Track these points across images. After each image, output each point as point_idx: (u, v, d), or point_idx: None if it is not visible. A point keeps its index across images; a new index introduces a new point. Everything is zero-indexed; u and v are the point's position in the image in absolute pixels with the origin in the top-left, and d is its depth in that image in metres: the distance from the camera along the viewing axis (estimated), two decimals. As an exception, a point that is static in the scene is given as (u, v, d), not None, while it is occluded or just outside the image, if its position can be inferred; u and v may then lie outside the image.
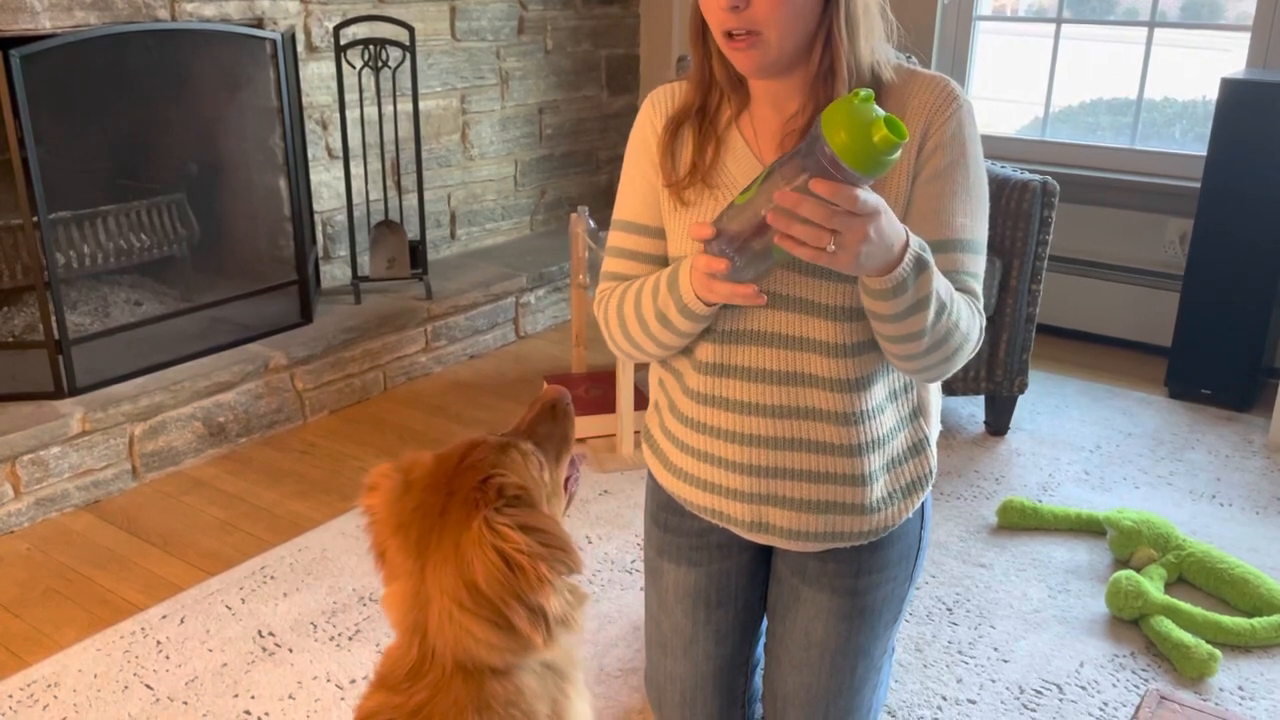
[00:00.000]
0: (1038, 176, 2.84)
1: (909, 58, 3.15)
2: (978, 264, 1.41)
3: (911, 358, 1.37)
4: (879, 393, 1.48)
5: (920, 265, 1.25)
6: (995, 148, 3.67)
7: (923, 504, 1.59)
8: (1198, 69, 3.69)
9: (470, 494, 1.08)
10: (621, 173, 1.59)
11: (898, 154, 1.09)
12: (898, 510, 1.53)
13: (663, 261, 1.54)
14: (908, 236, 1.23)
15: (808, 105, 1.38)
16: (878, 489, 1.51)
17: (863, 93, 1.09)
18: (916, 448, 1.55)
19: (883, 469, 1.51)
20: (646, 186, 1.52)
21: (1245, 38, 3.35)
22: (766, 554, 1.65)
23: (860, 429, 1.47)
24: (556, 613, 1.06)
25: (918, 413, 1.55)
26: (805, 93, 1.39)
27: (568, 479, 1.28)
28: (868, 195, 1.14)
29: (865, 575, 1.56)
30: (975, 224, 1.40)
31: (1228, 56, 3.50)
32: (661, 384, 1.62)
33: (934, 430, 1.60)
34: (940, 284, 1.29)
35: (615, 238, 1.57)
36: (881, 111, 1.08)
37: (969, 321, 1.37)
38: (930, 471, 1.58)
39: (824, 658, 1.57)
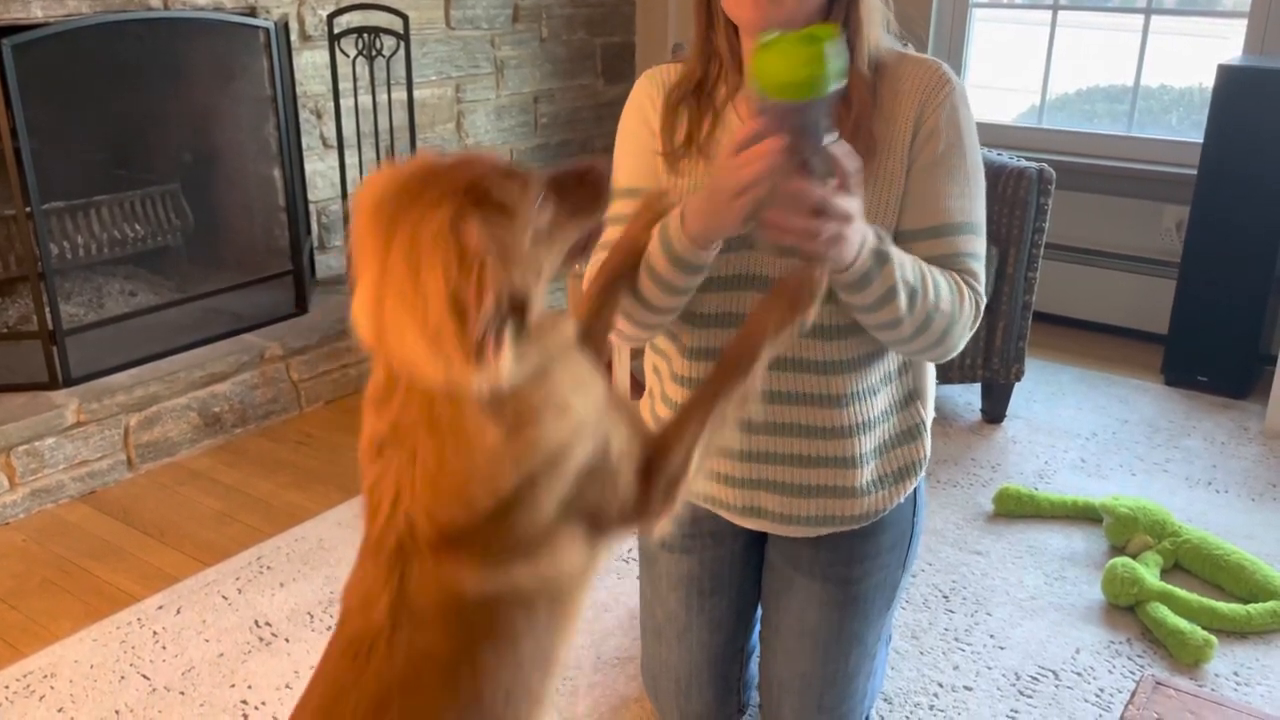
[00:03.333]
0: (1034, 164, 2.84)
1: (905, 44, 3.14)
2: (978, 245, 1.41)
3: (901, 342, 1.37)
4: (872, 375, 1.48)
5: (881, 258, 1.26)
6: (991, 135, 3.66)
7: (915, 490, 1.59)
8: (1194, 56, 3.69)
9: (452, 189, 0.95)
10: (616, 145, 1.56)
11: (831, 63, 1.07)
12: (889, 494, 1.53)
13: None
14: (867, 233, 1.24)
15: None
16: (868, 472, 1.51)
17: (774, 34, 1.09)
18: (910, 433, 1.55)
19: (873, 453, 1.51)
20: (645, 153, 1.50)
21: (1242, 24, 3.35)
22: (760, 541, 1.65)
23: (849, 411, 1.47)
24: (502, 338, 0.93)
25: (913, 396, 1.55)
26: None
27: (577, 245, 1.12)
28: (848, 201, 1.16)
29: (858, 563, 1.56)
30: (973, 206, 1.40)
31: (1224, 43, 3.49)
32: (655, 370, 1.62)
33: (928, 415, 1.60)
34: (908, 273, 1.29)
35: (615, 205, 1.55)
36: (776, 33, 1.09)
37: (952, 302, 1.36)
38: (924, 457, 1.58)
39: (818, 645, 1.58)
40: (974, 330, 1.44)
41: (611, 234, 1.55)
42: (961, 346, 1.43)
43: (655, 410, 1.61)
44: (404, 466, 0.99)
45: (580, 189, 1.08)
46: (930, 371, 1.61)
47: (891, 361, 1.51)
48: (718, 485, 1.54)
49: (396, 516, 0.99)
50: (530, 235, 1.00)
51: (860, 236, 1.22)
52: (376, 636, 0.96)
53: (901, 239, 1.39)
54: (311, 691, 1.00)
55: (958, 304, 1.38)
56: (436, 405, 0.97)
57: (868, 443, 1.50)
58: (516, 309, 0.96)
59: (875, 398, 1.49)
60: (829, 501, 1.51)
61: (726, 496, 1.54)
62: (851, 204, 1.17)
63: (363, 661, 0.96)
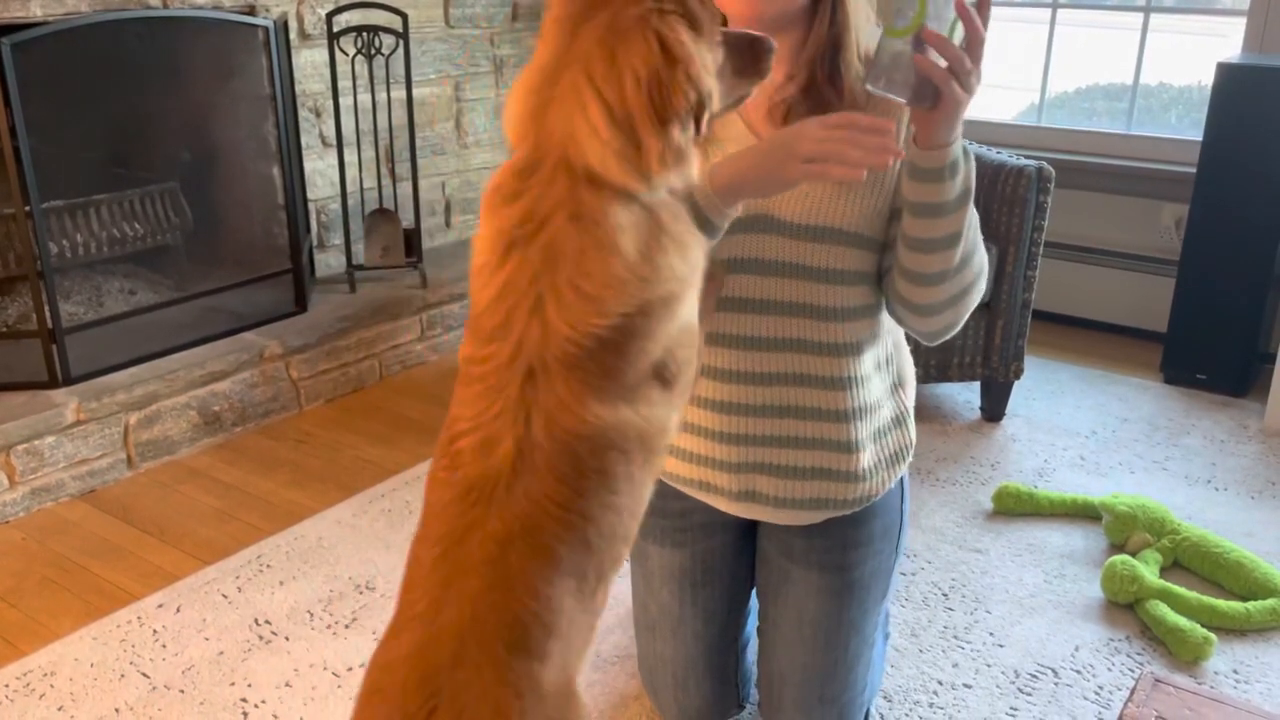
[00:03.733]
0: (1033, 162, 2.84)
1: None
2: (977, 218, 1.43)
3: (944, 277, 1.36)
4: (867, 361, 1.50)
5: (966, 152, 1.30)
6: (991, 134, 3.66)
7: (902, 477, 1.61)
8: (1193, 54, 3.69)
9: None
10: None
11: None
12: (883, 479, 1.55)
13: None
14: None
15: (798, 71, 1.39)
16: (866, 456, 1.52)
17: None
18: (898, 419, 1.58)
19: (870, 437, 1.52)
20: None
21: (1241, 22, 3.35)
22: (751, 532, 1.65)
23: (850, 394, 1.48)
24: (679, 142, 0.95)
25: (898, 385, 1.58)
26: (793, 61, 1.39)
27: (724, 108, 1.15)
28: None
29: (852, 550, 1.57)
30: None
31: (1224, 41, 3.49)
32: None
33: (910, 403, 1.62)
34: (973, 181, 1.33)
35: None
36: None
37: (983, 250, 1.40)
38: (910, 443, 1.61)
39: (817, 635, 1.58)
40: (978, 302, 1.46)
41: None
42: (960, 323, 1.44)
43: None
44: (542, 268, 0.99)
45: (749, 52, 1.11)
46: (909, 360, 1.63)
47: (883, 348, 1.53)
48: (711, 471, 1.54)
49: (531, 328, 0.99)
50: (712, 61, 1.02)
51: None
52: (497, 482, 1.00)
53: (900, 215, 1.41)
54: (429, 530, 1.03)
55: (985, 262, 1.42)
56: (582, 191, 0.97)
57: (865, 427, 1.51)
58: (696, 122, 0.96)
59: (871, 382, 1.51)
60: (826, 484, 1.51)
61: (720, 482, 1.54)
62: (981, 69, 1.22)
63: (484, 505, 0.99)
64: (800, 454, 1.50)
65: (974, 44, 1.20)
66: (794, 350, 1.46)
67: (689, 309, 1.09)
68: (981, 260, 1.41)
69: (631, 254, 1.00)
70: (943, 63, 1.18)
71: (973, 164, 1.32)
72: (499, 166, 1.04)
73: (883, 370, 1.54)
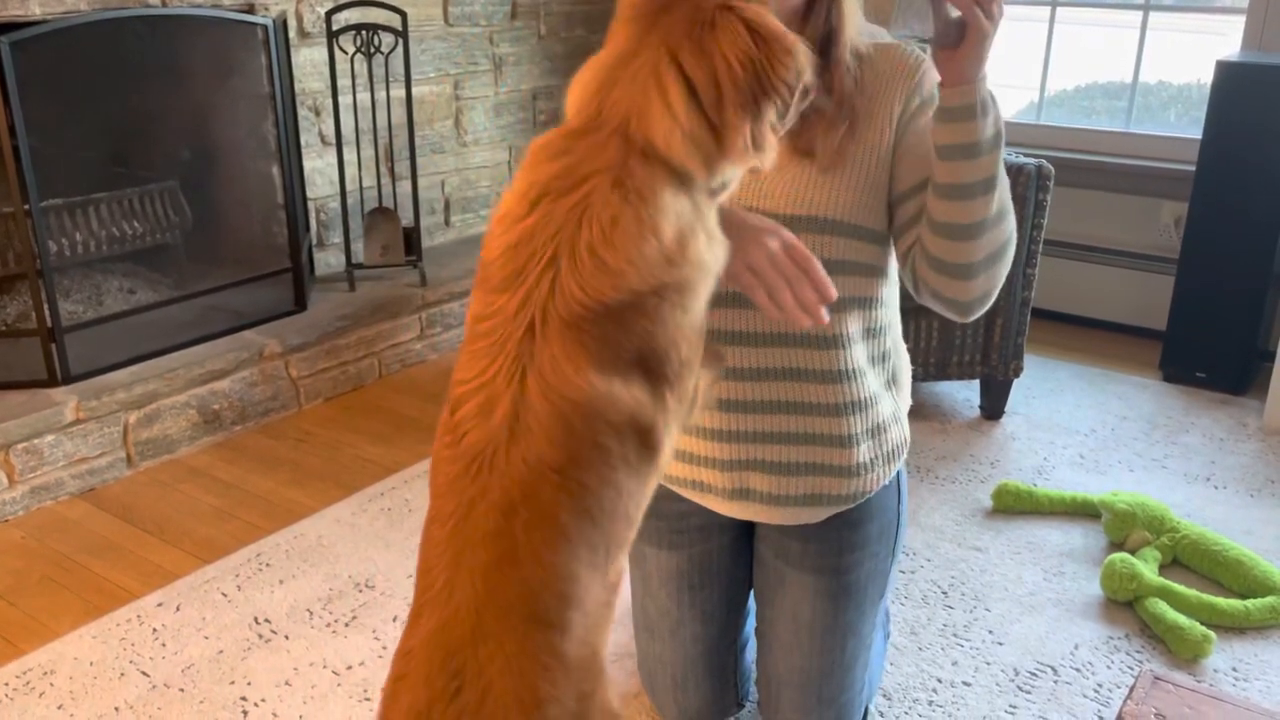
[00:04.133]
0: (1032, 160, 2.84)
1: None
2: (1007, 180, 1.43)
3: (983, 228, 1.35)
4: (859, 354, 1.49)
5: (992, 95, 1.31)
6: (990, 132, 3.65)
7: (898, 476, 1.60)
8: (1193, 52, 3.69)
9: None
10: None
11: None
12: (878, 475, 1.54)
13: None
14: None
15: None
16: (861, 451, 1.51)
17: None
18: (895, 416, 1.57)
19: (866, 432, 1.51)
20: None
21: (1240, 20, 3.35)
22: (748, 533, 1.65)
23: (844, 388, 1.47)
24: (767, 126, 0.95)
25: (892, 382, 1.57)
26: None
27: None
28: None
29: (848, 553, 1.56)
30: None
31: (1223, 39, 3.49)
32: None
33: (906, 403, 1.61)
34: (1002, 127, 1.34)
35: None
36: None
37: (1013, 215, 1.40)
38: (906, 441, 1.59)
39: (814, 638, 1.58)
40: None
41: None
42: (995, 294, 1.43)
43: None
44: (568, 225, 0.97)
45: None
46: (906, 359, 1.63)
47: (878, 344, 1.52)
48: (704, 470, 1.54)
49: (542, 282, 0.98)
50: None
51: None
52: (495, 448, 0.99)
53: (908, 197, 1.41)
54: (439, 508, 1.02)
55: (1014, 228, 1.41)
56: (634, 161, 0.95)
57: (861, 421, 1.50)
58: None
59: (865, 377, 1.50)
60: (821, 480, 1.50)
61: (714, 480, 1.53)
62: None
63: (486, 474, 0.99)
64: (794, 449, 1.49)
65: None
66: (784, 344, 1.45)
67: (700, 305, 1.08)
68: (1013, 226, 1.40)
69: (667, 237, 0.99)
70: None
71: (1000, 109, 1.33)
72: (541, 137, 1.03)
73: (878, 366, 1.53)
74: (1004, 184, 1.36)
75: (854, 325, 1.46)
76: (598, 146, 0.97)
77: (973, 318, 1.48)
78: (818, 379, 1.46)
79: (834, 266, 1.41)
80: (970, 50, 1.25)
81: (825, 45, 1.37)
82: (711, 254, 1.05)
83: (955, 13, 1.23)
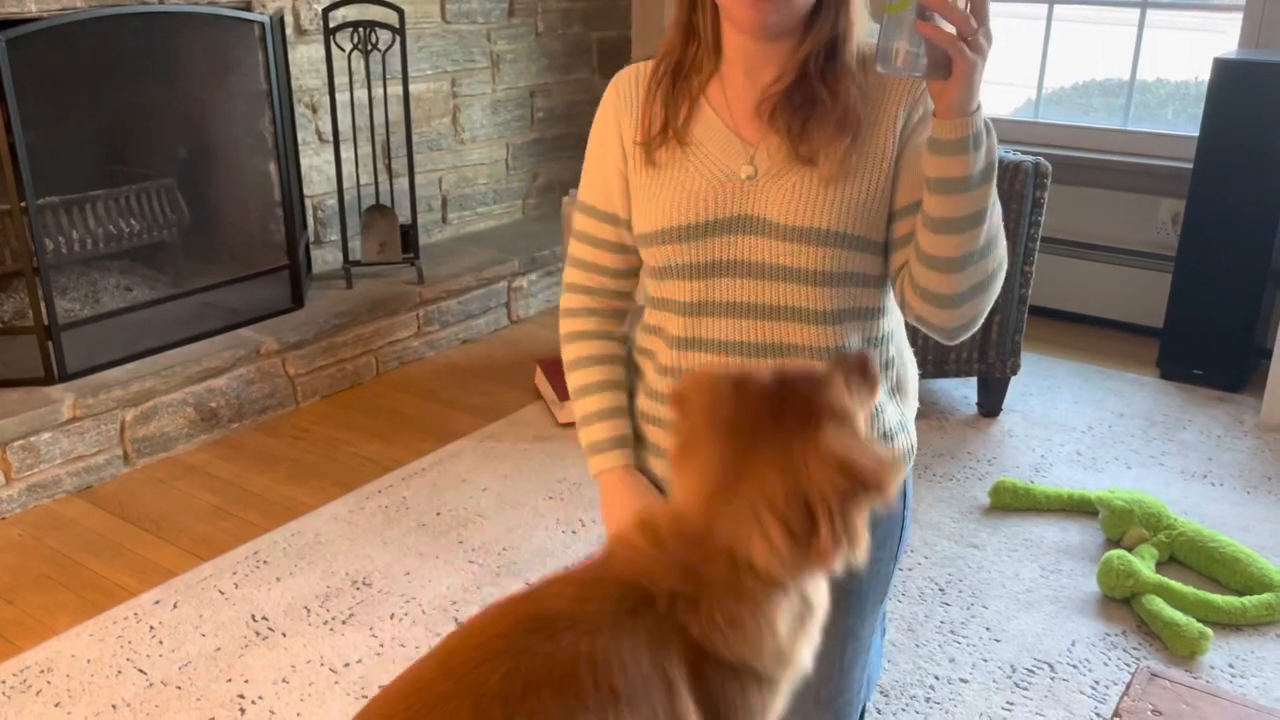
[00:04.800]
0: (1030, 158, 2.84)
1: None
2: (999, 206, 1.42)
3: (968, 260, 1.34)
4: None
5: (988, 126, 1.29)
6: (988, 129, 3.65)
7: (904, 483, 1.60)
8: (1190, 49, 3.69)
9: (806, 407, 1.08)
10: (586, 153, 1.57)
11: None
12: None
13: (624, 250, 1.53)
14: None
15: (788, 72, 1.38)
16: None
17: None
18: (900, 424, 1.56)
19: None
20: (612, 172, 1.50)
21: (1238, 18, 3.35)
22: None
23: None
24: (856, 534, 1.04)
25: (896, 390, 1.56)
26: (785, 59, 1.38)
27: None
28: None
29: None
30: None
31: (1220, 37, 3.49)
32: (643, 352, 1.62)
33: (912, 409, 1.60)
34: (995, 156, 1.33)
35: (579, 220, 1.56)
36: None
37: (1004, 238, 1.39)
38: (912, 447, 1.58)
39: None
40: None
41: (577, 250, 1.57)
42: (982, 319, 1.43)
43: (639, 406, 1.61)
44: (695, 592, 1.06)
45: (861, 377, 1.20)
46: (913, 365, 1.61)
47: (881, 353, 1.51)
48: None
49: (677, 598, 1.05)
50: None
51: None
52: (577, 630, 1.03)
53: (904, 214, 1.39)
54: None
55: (1005, 252, 1.40)
56: (744, 576, 1.05)
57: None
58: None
59: None
60: None
61: None
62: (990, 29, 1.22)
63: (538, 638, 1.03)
64: None
65: (978, 2, 1.19)
66: (783, 355, 1.44)
67: (783, 697, 1.16)
68: (1003, 252, 1.39)
69: (783, 632, 1.09)
70: (949, 28, 1.18)
71: (995, 139, 1.30)
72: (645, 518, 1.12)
73: (881, 375, 1.53)
74: (995, 213, 1.34)
75: (854, 337, 1.45)
76: (713, 561, 1.06)
77: (958, 341, 1.48)
78: None
79: (835, 279, 1.40)
80: (959, 83, 1.23)
81: (831, 50, 1.36)
82: (810, 651, 1.15)
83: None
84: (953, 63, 1.20)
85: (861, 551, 1.07)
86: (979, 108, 1.26)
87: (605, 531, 1.42)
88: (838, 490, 1.02)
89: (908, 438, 1.57)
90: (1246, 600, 2.13)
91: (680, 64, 1.45)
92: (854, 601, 1.58)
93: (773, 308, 1.43)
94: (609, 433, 1.51)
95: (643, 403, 1.59)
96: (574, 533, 2.46)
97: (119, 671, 1.99)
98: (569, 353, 1.58)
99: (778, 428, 1.08)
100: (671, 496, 1.11)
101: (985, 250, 1.34)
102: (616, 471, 1.50)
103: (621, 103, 1.50)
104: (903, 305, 1.47)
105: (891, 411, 1.54)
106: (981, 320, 1.43)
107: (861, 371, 1.21)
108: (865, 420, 1.18)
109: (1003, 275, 1.41)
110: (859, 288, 1.44)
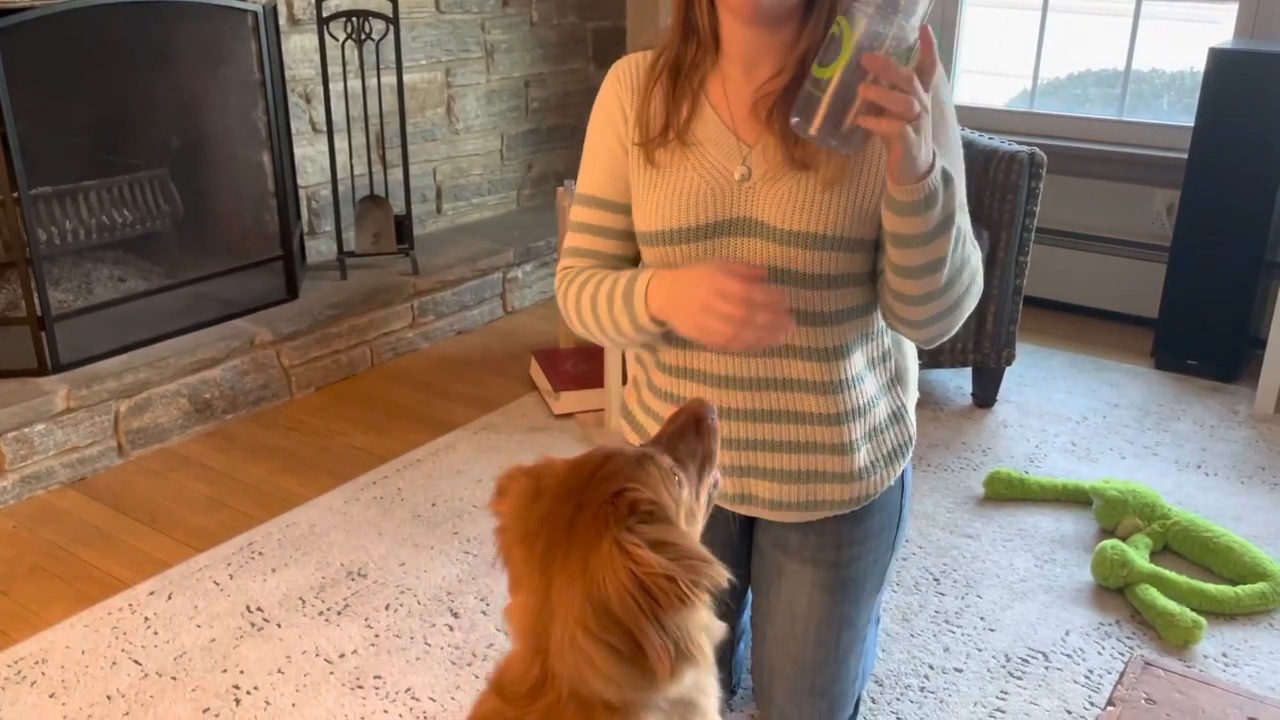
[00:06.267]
0: (1025, 148, 2.84)
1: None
2: (967, 220, 1.42)
3: (929, 298, 1.34)
4: (858, 361, 1.48)
5: (946, 177, 1.25)
6: (983, 120, 3.65)
7: (903, 473, 1.60)
8: (1185, 40, 3.68)
9: (600, 509, 0.99)
10: (584, 146, 1.55)
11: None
12: (880, 478, 1.54)
13: (626, 237, 1.52)
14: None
15: (786, 68, 1.37)
16: (861, 457, 1.51)
17: None
18: (896, 415, 1.56)
19: (865, 437, 1.51)
20: (611, 160, 1.49)
21: (1233, 8, 3.34)
22: (749, 526, 1.65)
23: (842, 397, 1.47)
24: (687, 639, 0.96)
25: (895, 381, 1.56)
26: (783, 54, 1.37)
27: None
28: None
29: (848, 547, 1.56)
30: (963, 182, 1.42)
31: (1215, 28, 3.49)
32: (639, 360, 1.62)
33: (912, 398, 1.61)
34: (962, 197, 1.32)
35: (577, 212, 1.54)
36: None
37: (976, 257, 1.39)
38: (910, 439, 1.59)
39: (808, 630, 1.58)
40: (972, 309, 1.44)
41: (574, 240, 1.55)
42: (958, 327, 1.43)
43: (643, 399, 1.61)
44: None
45: (697, 439, 1.14)
46: (912, 353, 1.61)
47: (877, 345, 1.51)
48: None
49: None
50: (682, 515, 1.06)
51: (931, 142, 1.21)
52: None
53: None
54: None
55: (977, 262, 1.40)
56: (598, 713, 0.98)
57: (860, 427, 1.50)
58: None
59: (864, 383, 1.50)
60: (820, 486, 1.51)
61: (720, 484, 1.54)
62: (925, 97, 1.16)
63: None
64: (794, 458, 1.49)
65: (926, 71, 1.15)
66: (782, 355, 1.45)
67: None
68: (973, 272, 1.38)
69: None
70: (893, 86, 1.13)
71: (955, 187, 1.27)
72: (506, 659, 1.05)
73: (877, 368, 1.52)
74: (958, 249, 1.32)
75: (852, 334, 1.46)
76: (556, 714, 0.99)
77: (933, 347, 1.50)
78: (815, 389, 1.46)
79: (832, 280, 1.41)
80: (900, 155, 1.18)
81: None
82: None
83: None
84: (890, 139, 1.16)
85: (703, 658, 0.99)
86: (931, 168, 1.22)
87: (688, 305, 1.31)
88: (639, 608, 0.94)
89: (905, 430, 1.57)
90: (1240, 589, 2.14)
91: (679, 61, 1.43)
92: (850, 590, 1.58)
93: None
94: (628, 277, 1.44)
95: (647, 398, 1.59)
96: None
97: (114, 662, 1.99)
98: (569, 295, 1.51)
99: (570, 536, 0.99)
100: (509, 624, 1.04)
101: (947, 287, 1.34)
102: (654, 274, 1.39)
103: (623, 91, 1.49)
104: (881, 313, 1.49)
105: (888, 405, 1.55)
106: (954, 332, 1.44)
107: (696, 428, 1.14)
108: (692, 493, 1.10)
109: (974, 296, 1.41)
110: (856, 286, 1.44)
